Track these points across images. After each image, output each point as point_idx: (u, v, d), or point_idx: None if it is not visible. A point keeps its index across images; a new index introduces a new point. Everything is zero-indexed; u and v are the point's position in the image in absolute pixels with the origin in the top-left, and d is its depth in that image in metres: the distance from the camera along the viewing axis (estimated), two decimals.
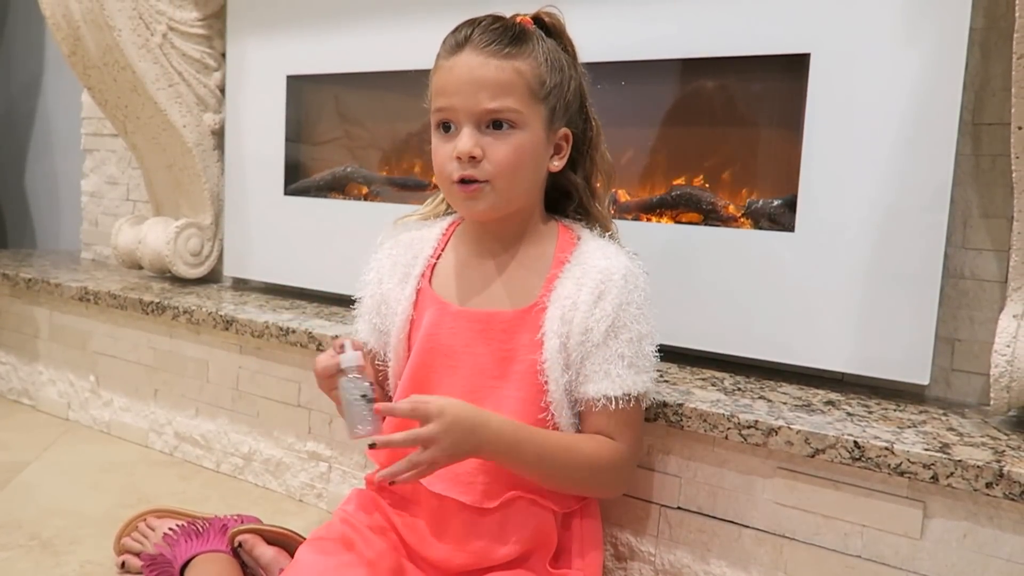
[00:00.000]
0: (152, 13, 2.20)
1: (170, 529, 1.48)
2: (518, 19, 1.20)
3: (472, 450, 1.08)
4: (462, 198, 1.18)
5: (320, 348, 1.71)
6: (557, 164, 1.23)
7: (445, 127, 1.17)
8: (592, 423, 1.18)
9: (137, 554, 1.50)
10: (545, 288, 1.20)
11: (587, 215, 1.30)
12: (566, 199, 1.30)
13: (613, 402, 1.15)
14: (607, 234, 1.26)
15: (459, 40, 1.15)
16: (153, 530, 1.50)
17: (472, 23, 1.16)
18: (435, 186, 1.40)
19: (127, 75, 2.20)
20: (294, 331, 1.77)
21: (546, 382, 1.17)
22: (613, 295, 1.16)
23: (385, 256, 1.32)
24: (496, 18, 1.18)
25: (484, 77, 1.13)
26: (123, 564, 1.51)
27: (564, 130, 1.22)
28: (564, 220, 1.29)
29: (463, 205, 1.20)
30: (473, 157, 1.14)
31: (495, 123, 1.14)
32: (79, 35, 2.18)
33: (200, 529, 1.46)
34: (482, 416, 1.09)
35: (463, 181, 1.16)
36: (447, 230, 1.31)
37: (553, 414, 1.17)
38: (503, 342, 1.19)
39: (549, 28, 1.22)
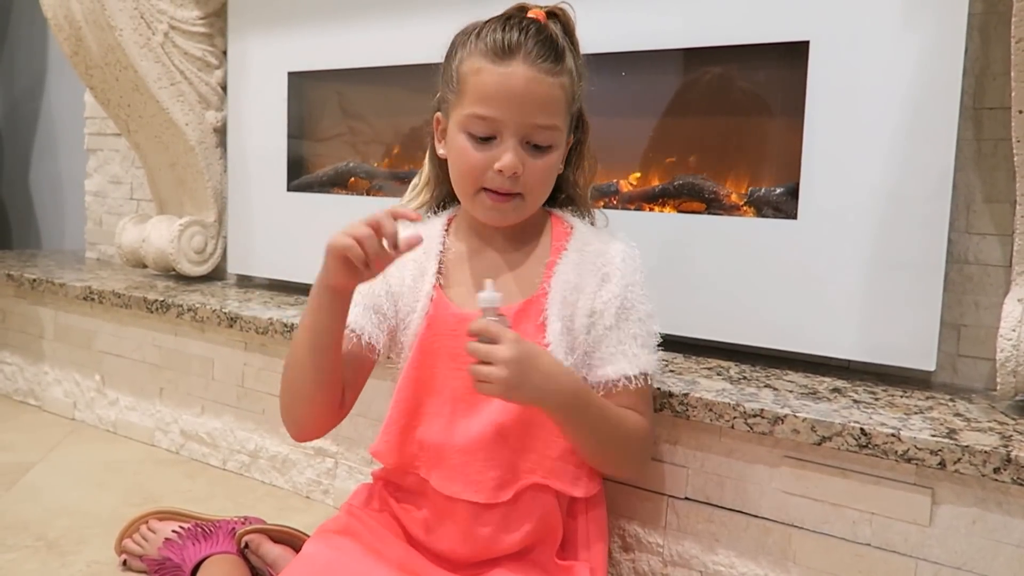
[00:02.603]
0: (153, 12, 2.20)
1: (173, 532, 1.48)
2: (531, 14, 1.18)
3: (539, 388, 1.06)
4: (490, 206, 1.18)
5: None
6: (561, 166, 1.25)
7: (483, 139, 1.15)
8: (616, 403, 1.18)
9: (139, 557, 1.50)
10: (545, 276, 1.21)
11: (572, 205, 1.32)
12: (556, 192, 1.30)
13: (632, 381, 1.17)
14: (590, 219, 1.29)
15: (510, 45, 1.12)
16: (154, 533, 1.51)
17: (519, 27, 1.13)
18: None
19: (129, 74, 2.20)
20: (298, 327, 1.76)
21: None
22: (617, 277, 1.18)
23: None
24: (539, 27, 1.15)
25: (538, 93, 1.12)
26: (124, 562, 1.52)
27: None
28: (555, 210, 1.30)
29: (489, 213, 1.19)
30: (515, 173, 1.14)
31: (536, 145, 1.15)
32: (81, 35, 2.18)
33: (208, 531, 1.47)
34: (551, 359, 1.09)
35: (497, 192, 1.16)
36: (447, 225, 1.30)
37: None
38: None
39: (562, 27, 1.20)
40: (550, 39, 1.14)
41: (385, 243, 1.05)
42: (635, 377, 1.17)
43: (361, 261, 1.05)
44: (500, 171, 1.14)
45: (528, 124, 1.13)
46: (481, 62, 1.14)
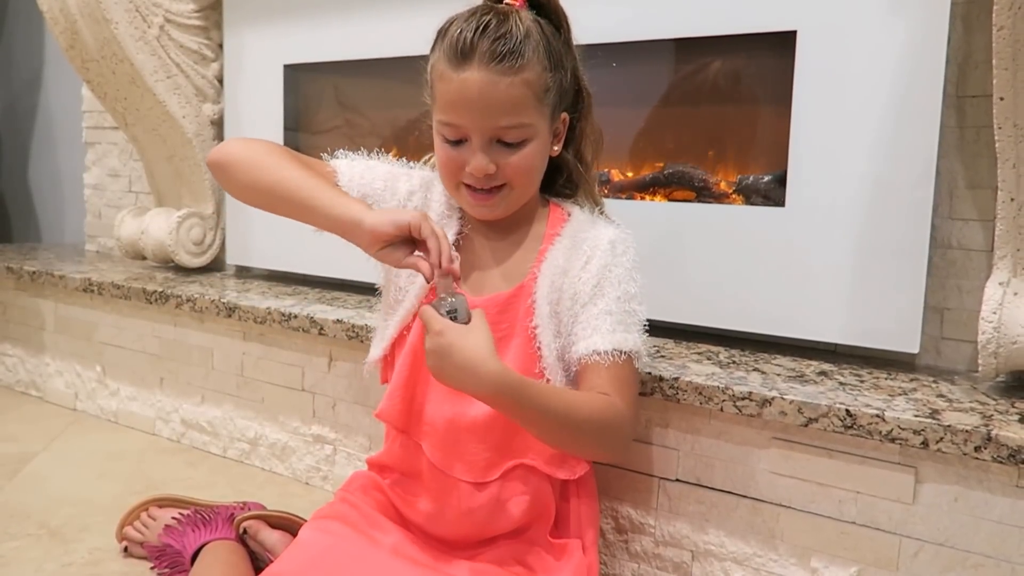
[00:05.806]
0: (148, 5, 2.21)
1: (173, 518, 1.50)
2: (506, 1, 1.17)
3: (455, 379, 1.02)
4: (472, 204, 1.20)
5: (322, 333, 1.74)
6: (557, 149, 1.24)
7: (454, 142, 1.16)
8: (586, 381, 1.16)
9: (140, 544, 1.52)
10: (536, 262, 1.22)
11: (576, 188, 1.31)
12: (556, 174, 1.30)
13: (603, 357, 1.14)
14: (596, 209, 1.28)
15: (464, 49, 1.10)
16: (155, 520, 1.53)
17: (473, 26, 1.11)
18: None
19: (125, 67, 2.22)
20: (296, 316, 1.79)
21: (539, 347, 1.18)
22: (598, 258, 1.19)
23: (432, 189, 1.30)
24: (499, 21, 1.12)
25: (495, 96, 1.11)
26: (126, 548, 1.54)
27: (563, 115, 1.23)
28: (555, 199, 1.30)
29: (474, 209, 1.21)
30: (488, 174, 1.15)
31: (507, 143, 1.15)
32: (76, 29, 2.19)
33: (207, 518, 1.49)
34: (475, 354, 1.02)
35: (476, 189, 1.18)
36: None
37: (548, 380, 1.18)
38: (498, 323, 1.20)
39: (542, 4, 1.19)
40: (507, 36, 1.10)
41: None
42: (606, 353, 1.14)
43: (406, 238, 1.08)
44: (471, 174, 1.15)
45: (491, 127, 1.13)
46: (443, 67, 1.14)
